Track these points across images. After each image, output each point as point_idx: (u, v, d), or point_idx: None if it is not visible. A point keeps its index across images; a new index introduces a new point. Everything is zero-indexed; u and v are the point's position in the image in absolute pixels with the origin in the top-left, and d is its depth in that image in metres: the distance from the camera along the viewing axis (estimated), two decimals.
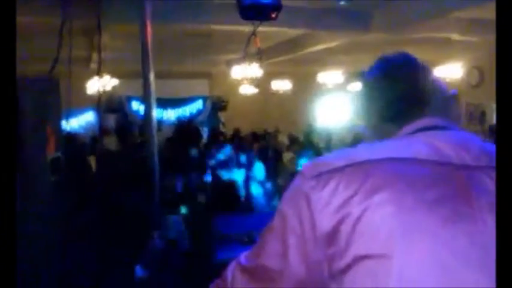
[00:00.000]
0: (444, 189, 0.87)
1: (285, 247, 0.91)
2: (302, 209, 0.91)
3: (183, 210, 3.61)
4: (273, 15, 2.66)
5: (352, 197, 0.87)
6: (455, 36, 7.61)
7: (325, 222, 0.88)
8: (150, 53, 2.88)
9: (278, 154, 8.08)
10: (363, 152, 0.95)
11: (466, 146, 0.93)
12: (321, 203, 0.89)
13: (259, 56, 6.18)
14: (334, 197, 0.88)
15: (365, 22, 7.31)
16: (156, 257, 3.07)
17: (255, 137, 10.57)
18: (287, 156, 8.26)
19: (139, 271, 3.09)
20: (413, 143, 0.95)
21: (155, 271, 2.99)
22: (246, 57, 7.59)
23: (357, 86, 13.14)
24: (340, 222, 0.86)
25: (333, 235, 0.87)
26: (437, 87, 1.08)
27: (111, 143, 7.38)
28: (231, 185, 4.28)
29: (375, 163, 0.91)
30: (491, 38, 8.24)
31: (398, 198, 0.86)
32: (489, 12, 7.06)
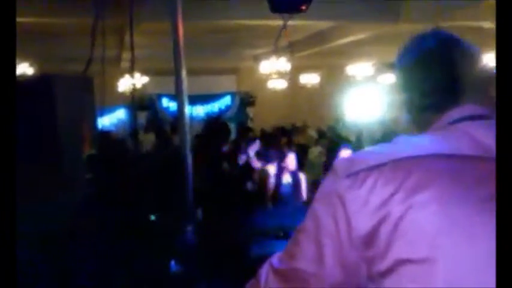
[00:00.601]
0: (490, 186, 0.81)
1: (319, 249, 0.87)
2: (337, 209, 0.86)
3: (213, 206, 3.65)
4: (303, 8, 2.64)
5: (392, 195, 0.81)
6: (487, 25, 7.40)
7: (362, 223, 0.83)
8: (182, 51, 2.90)
9: (304, 149, 8.02)
10: (402, 148, 0.89)
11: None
12: (357, 202, 0.84)
13: (290, 49, 6.16)
14: (372, 196, 0.83)
15: (395, 12, 7.19)
16: (189, 251, 3.10)
17: (283, 131, 10.53)
18: (315, 151, 8.20)
19: (173, 266, 3.14)
20: (456, 137, 0.89)
21: (189, 266, 3.02)
22: (275, 51, 7.58)
23: (387, 78, 12.99)
24: (380, 222, 0.81)
25: (371, 237, 0.82)
26: (480, 68, 1.01)
27: (149, 140, 7.47)
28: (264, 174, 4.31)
29: (416, 160, 0.85)
30: None
31: (443, 197, 0.80)
32: None
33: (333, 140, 7.81)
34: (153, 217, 2.93)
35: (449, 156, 0.85)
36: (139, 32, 7.08)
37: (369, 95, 13.06)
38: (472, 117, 0.92)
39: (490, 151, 0.85)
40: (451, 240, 0.79)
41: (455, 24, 7.75)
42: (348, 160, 0.91)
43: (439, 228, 0.79)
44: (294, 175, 4.52)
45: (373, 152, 0.92)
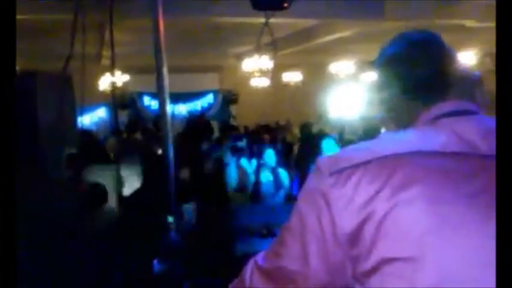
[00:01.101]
0: (477, 183, 0.81)
1: (304, 249, 0.86)
2: (321, 208, 0.85)
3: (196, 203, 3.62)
4: (285, 5, 2.63)
5: (377, 193, 0.80)
6: (469, 23, 7.50)
7: (347, 222, 0.82)
8: (163, 48, 2.86)
9: (289, 146, 8.04)
10: (386, 145, 0.88)
11: (495, 134, 0.86)
12: (341, 201, 0.83)
13: (273, 47, 6.15)
14: (356, 194, 0.82)
15: (378, 10, 7.23)
16: (172, 250, 3.07)
17: (267, 129, 10.54)
18: (297, 147, 8.22)
19: (156, 265, 3.10)
20: (440, 133, 0.88)
21: (173, 264, 2.99)
22: (258, 48, 7.56)
23: (369, 75, 13.09)
24: (364, 221, 0.80)
25: (356, 235, 0.81)
26: (462, 69, 1.00)
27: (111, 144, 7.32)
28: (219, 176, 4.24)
29: (401, 157, 0.84)
30: None
31: (430, 194, 0.79)
32: None
33: (308, 135, 7.81)
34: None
35: (434, 153, 0.84)
36: (120, 29, 7.00)
37: (351, 92, 13.19)
38: (457, 113, 0.91)
39: (475, 147, 0.85)
40: (439, 237, 0.78)
41: (437, 23, 7.85)
42: (332, 158, 0.90)
43: (426, 225, 0.78)
44: (274, 171, 4.50)
45: (357, 150, 0.90)
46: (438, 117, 0.91)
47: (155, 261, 3.11)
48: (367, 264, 0.80)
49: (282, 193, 4.48)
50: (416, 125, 0.94)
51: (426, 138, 0.88)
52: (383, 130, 1.13)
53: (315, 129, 9.44)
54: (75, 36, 3.31)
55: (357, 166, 0.84)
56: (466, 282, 0.77)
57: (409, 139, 0.89)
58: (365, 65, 13.08)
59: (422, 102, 0.95)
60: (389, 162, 0.83)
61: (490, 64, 11.20)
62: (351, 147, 0.93)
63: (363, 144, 0.92)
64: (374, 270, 0.80)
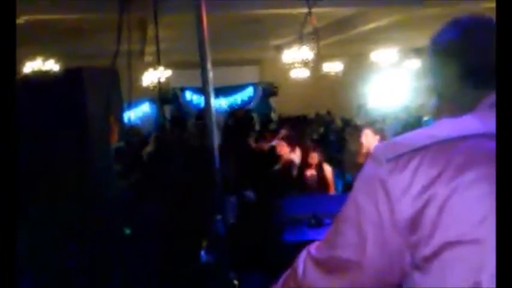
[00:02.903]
0: None
1: (361, 237, 0.85)
2: (378, 196, 0.84)
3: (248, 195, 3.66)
4: None
5: (437, 177, 0.79)
6: None
7: (406, 208, 0.81)
8: (207, 42, 2.89)
9: (340, 137, 7.93)
10: (445, 129, 0.86)
11: None
12: (400, 187, 0.82)
13: (316, 36, 6.08)
14: (415, 180, 0.81)
15: None
16: (219, 241, 3.12)
17: (306, 120, 10.49)
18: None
19: (203, 256, 3.16)
20: None
21: (219, 255, 3.04)
22: (300, 39, 7.50)
23: (412, 63, 12.76)
24: (425, 206, 0.79)
25: (415, 221, 0.80)
26: None
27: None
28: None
29: (460, 140, 0.82)
30: None
31: (489, 176, 0.78)
32: None
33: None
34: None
35: (492, 136, 0.82)
36: (161, 26, 7.14)
37: (393, 81, 12.91)
38: None
39: None
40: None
41: (481, 6, 7.56)
42: (388, 144, 0.89)
43: (488, 207, 0.77)
44: (319, 167, 4.50)
45: (415, 135, 0.88)
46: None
47: (202, 252, 3.17)
48: (428, 250, 0.80)
49: (327, 188, 4.47)
50: (475, 111, 0.91)
51: (485, 121, 0.86)
52: (426, 119, 1.10)
53: (356, 120, 9.33)
54: (120, 34, 3.38)
55: (415, 151, 0.83)
56: None
57: (469, 123, 0.87)
58: (407, 52, 12.78)
59: (481, 88, 0.93)
60: (449, 146, 0.82)
61: None
62: (408, 133, 0.91)
63: (421, 130, 0.91)
64: (435, 255, 0.79)
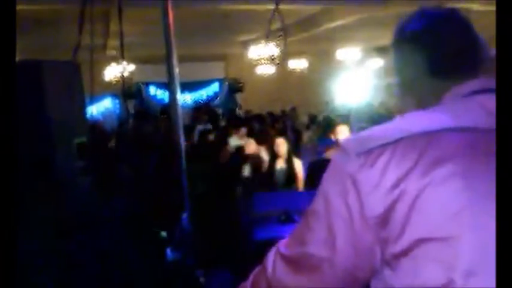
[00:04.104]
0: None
1: (331, 233, 0.83)
2: (348, 190, 0.81)
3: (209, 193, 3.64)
4: None
5: (408, 173, 0.77)
6: (475, 6, 7.41)
7: (376, 203, 0.79)
8: (173, 37, 2.84)
9: (298, 133, 8.03)
10: (416, 123, 0.84)
11: None
12: (370, 182, 0.79)
13: (284, 33, 6.09)
14: (385, 175, 0.78)
15: None
16: (185, 238, 3.08)
17: (272, 117, 10.52)
18: (306, 135, 8.22)
19: (169, 253, 3.12)
20: (471, 110, 0.84)
21: (186, 253, 3.01)
22: (266, 35, 7.50)
23: (375, 62, 12.99)
24: (396, 201, 0.77)
25: (386, 217, 0.78)
26: (487, 48, 0.95)
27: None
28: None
29: (432, 134, 0.80)
30: None
31: (463, 171, 0.77)
32: None
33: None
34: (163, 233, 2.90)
35: (465, 129, 0.81)
36: (125, 19, 6.98)
37: (357, 79, 13.11)
38: (486, 91, 0.87)
39: None
40: (474, 215, 0.75)
41: (441, 7, 7.76)
42: (358, 138, 0.86)
43: (461, 203, 0.76)
44: (288, 161, 4.48)
45: (384, 129, 0.85)
46: (468, 94, 0.88)
47: (168, 250, 3.13)
48: (399, 246, 0.78)
49: (296, 182, 4.46)
50: (443, 103, 0.90)
51: (456, 114, 0.84)
52: (395, 115, 1.09)
53: (321, 116, 9.43)
54: (83, 26, 3.29)
55: (385, 145, 0.81)
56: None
57: (439, 116, 0.85)
58: (370, 51, 12.99)
59: (449, 80, 0.91)
60: (420, 140, 0.80)
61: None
62: (377, 127, 0.87)
63: (392, 124, 0.88)
64: (406, 252, 0.77)
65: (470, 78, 0.90)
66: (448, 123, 0.82)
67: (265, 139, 5.01)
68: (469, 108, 0.85)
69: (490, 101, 0.84)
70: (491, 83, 0.88)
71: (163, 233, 2.70)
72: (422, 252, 0.76)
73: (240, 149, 4.92)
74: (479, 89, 0.88)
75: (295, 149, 6.16)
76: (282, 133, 7.31)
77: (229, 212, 2.87)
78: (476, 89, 0.88)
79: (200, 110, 9.99)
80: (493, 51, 1.01)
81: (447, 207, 0.76)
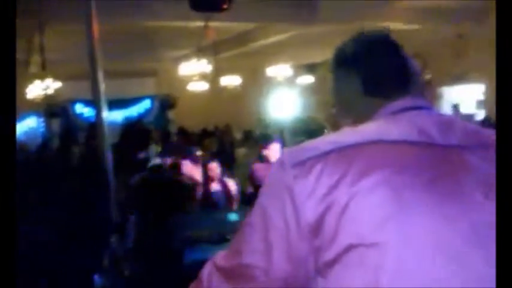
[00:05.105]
0: (435, 171, 0.84)
1: (267, 244, 0.85)
2: (284, 202, 0.84)
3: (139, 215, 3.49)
4: (225, 6, 2.58)
5: (338, 182, 0.81)
6: (398, 25, 7.81)
7: (309, 213, 0.81)
8: (98, 53, 2.74)
9: (234, 150, 8.00)
10: (348, 136, 0.89)
11: (449, 126, 0.90)
12: (304, 192, 0.82)
13: (214, 50, 6.09)
14: (318, 185, 0.82)
15: (312, 14, 7.37)
16: (115, 263, 2.95)
17: (206, 133, 10.46)
18: (240, 152, 8.22)
19: (98, 280, 2.96)
20: (400, 124, 0.90)
21: (115, 279, 2.87)
22: (198, 51, 7.48)
23: (306, 78, 13.34)
24: (326, 210, 0.80)
25: (318, 225, 0.81)
26: (415, 68, 1.03)
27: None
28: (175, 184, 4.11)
29: (362, 146, 0.85)
30: (430, 26, 8.56)
31: (390, 181, 0.81)
32: (430, 0, 7.33)
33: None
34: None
35: (394, 142, 0.86)
36: (50, 34, 6.69)
37: (289, 95, 13.39)
38: (414, 108, 0.94)
39: (433, 138, 0.88)
40: (400, 222, 0.79)
41: (367, 25, 8.12)
42: (294, 150, 0.90)
43: (387, 211, 0.79)
44: (222, 182, 4.44)
45: (319, 141, 0.90)
46: (398, 111, 0.94)
47: (96, 276, 2.97)
48: (330, 254, 0.80)
49: (232, 203, 4.41)
50: (375, 119, 0.95)
51: (386, 128, 0.90)
52: (327, 131, 1.15)
53: (256, 133, 9.50)
54: None
55: (318, 157, 0.85)
56: (425, 266, 0.78)
57: (370, 130, 0.91)
58: (300, 68, 13.34)
59: (383, 99, 0.97)
60: (350, 152, 0.84)
61: (420, 64, 11.73)
62: (313, 140, 0.92)
63: (325, 137, 0.93)
64: (336, 260, 0.80)
65: (401, 96, 0.97)
66: (376, 137, 0.87)
67: (179, 151, 4.90)
68: (397, 123, 0.91)
69: (418, 117, 0.92)
70: (420, 101, 0.97)
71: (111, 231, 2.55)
72: (352, 259, 0.79)
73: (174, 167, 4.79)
74: (408, 106, 0.94)
75: (231, 165, 6.14)
76: (218, 152, 7.27)
77: (161, 234, 2.78)
78: (405, 106, 0.94)
79: (132, 127, 9.73)
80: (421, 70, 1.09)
81: (374, 215, 0.79)
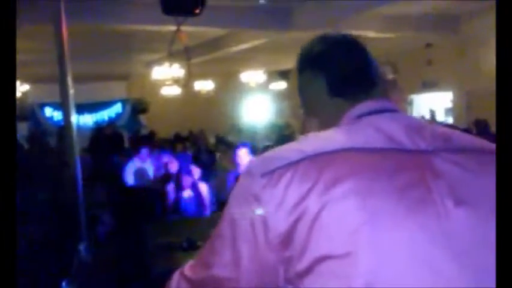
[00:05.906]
0: (405, 178, 0.82)
1: (236, 255, 0.84)
2: (253, 212, 0.82)
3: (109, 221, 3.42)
4: (197, 11, 2.55)
5: (308, 192, 0.79)
6: (370, 34, 7.93)
7: (279, 223, 0.79)
8: (67, 55, 2.67)
9: (212, 155, 7.92)
10: (316, 144, 0.87)
11: (418, 131, 0.89)
12: (273, 202, 0.80)
13: (187, 54, 6.04)
14: (287, 195, 0.80)
15: (285, 21, 7.42)
16: (83, 270, 2.88)
17: (179, 138, 10.38)
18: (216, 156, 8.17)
19: (65, 287, 2.89)
20: (366, 131, 0.89)
21: (83, 286, 2.80)
22: (169, 56, 7.41)
23: (278, 84, 13.42)
24: (297, 220, 0.78)
25: (288, 236, 0.79)
26: (380, 70, 1.02)
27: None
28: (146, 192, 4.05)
29: (331, 155, 0.84)
30: (401, 34, 8.73)
31: (360, 190, 0.80)
32: (401, 9, 7.47)
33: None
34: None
35: (362, 150, 0.85)
36: (18, 36, 6.52)
37: (262, 101, 13.45)
38: (379, 111, 0.93)
39: (400, 143, 0.87)
40: (371, 231, 0.78)
41: (342, 32, 8.21)
42: (262, 159, 0.88)
43: (358, 220, 0.78)
44: (194, 188, 4.40)
45: (288, 150, 0.88)
46: (362, 115, 0.92)
47: (64, 283, 2.89)
48: (301, 265, 0.79)
49: (204, 209, 4.38)
50: (341, 124, 0.94)
51: (353, 135, 0.88)
52: (298, 136, 1.13)
53: (228, 138, 9.48)
54: None
55: (287, 166, 0.83)
56: (397, 275, 0.77)
57: (337, 137, 0.89)
58: (273, 74, 13.41)
59: (348, 100, 0.96)
60: (319, 161, 0.83)
61: (391, 71, 11.95)
62: (281, 147, 0.90)
63: (293, 145, 0.90)
64: (308, 270, 0.78)
65: (364, 99, 0.95)
66: (346, 144, 0.86)
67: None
68: (365, 129, 0.89)
69: (385, 122, 0.90)
70: (386, 103, 0.95)
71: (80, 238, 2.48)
72: (324, 269, 0.77)
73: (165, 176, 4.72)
74: (374, 109, 0.93)
75: (207, 171, 6.09)
76: (193, 156, 7.19)
77: (131, 241, 2.74)
78: (372, 109, 0.93)
79: (103, 131, 9.58)
80: (387, 73, 1.08)
81: (345, 224, 0.78)
